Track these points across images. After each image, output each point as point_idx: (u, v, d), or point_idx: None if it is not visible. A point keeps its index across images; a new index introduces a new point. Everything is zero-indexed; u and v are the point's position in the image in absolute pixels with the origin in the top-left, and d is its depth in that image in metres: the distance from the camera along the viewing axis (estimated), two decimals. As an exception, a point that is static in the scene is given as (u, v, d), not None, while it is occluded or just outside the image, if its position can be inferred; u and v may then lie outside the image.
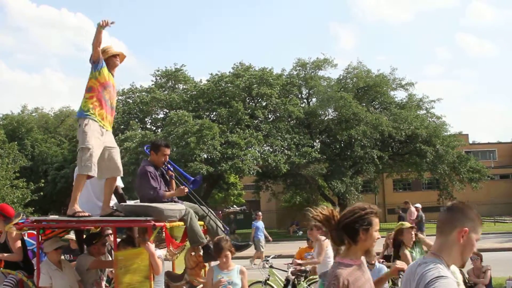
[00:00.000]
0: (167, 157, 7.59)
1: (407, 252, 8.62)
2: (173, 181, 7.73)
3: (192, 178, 7.84)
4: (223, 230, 7.57)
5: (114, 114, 7.31)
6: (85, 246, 8.17)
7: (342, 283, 3.50)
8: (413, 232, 8.89)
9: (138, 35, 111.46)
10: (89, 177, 6.89)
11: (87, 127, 6.82)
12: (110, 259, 8.07)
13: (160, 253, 7.30)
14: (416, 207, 21.96)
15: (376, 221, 3.83)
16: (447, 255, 3.03)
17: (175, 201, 7.40)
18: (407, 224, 9.26)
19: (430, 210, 35.18)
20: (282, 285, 13.15)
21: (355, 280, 3.56)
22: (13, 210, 8.24)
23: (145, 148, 8.32)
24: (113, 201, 7.75)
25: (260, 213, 23.33)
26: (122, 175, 7.44)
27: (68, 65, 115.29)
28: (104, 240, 7.87)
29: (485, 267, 11.95)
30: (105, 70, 7.03)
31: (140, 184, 7.33)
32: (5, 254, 7.67)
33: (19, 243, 7.69)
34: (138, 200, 7.71)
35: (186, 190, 7.46)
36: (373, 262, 11.42)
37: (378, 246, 16.00)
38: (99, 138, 6.91)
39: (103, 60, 7.04)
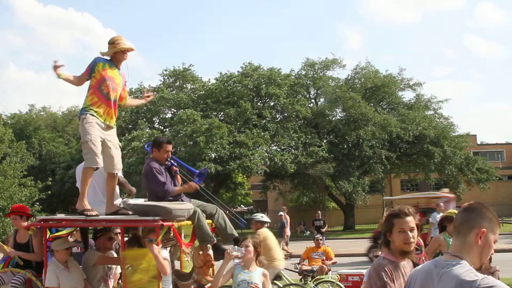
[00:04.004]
0: (170, 153, 7.59)
1: (441, 236, 9.28)
2: (178, 176, 7.73)
3: (197, 171, 7.84)
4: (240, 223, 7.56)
5: (116, 105, 7.32)
6: (91, 242, 8.21)
7: None
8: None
9: (145, 35, 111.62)
10: (96, 169, 6.95)
11: (85, 121, 6.94)
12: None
13: (167, 253, 7.29)
14: (280, 215, 23.96)
15: (398, 221, 4.21)
16: (466, 256, 2.93)
17: (183, 200, 7.38)
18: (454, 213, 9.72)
19: (438, 211, 35.02)
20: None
21: None
22: (27, 209, 8.29)
23: (146, 146, 8.33)
24: (119, 199, 7.78)
25: (442, 203, 18.14)
26: (120, 172, 7.46)
27: (75, 64, 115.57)
28: (110, 235, 7.85)
29: (493, 267, 11.88)
30: (99, 67, 7.09)
31: (148, 181, 7.33)
32: (26, 253, 7.68)
33: (41, 244, 7.66)
34: (143, 199, 7.71)
35: (196, 186, 7.45)
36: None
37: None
38: (100, 130, 7.00)
39: (95, 65, 7.10)
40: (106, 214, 7.08)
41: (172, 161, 7.69)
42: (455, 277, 2.82)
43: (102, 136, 7.02)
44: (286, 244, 23.10)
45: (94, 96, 7.05)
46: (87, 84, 7.16)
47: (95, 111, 7.00)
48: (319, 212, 26.40)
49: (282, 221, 23.60)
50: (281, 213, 24.27)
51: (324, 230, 24.58)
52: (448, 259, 2.97)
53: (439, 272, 2.94)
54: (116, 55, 7.20)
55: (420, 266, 3.23)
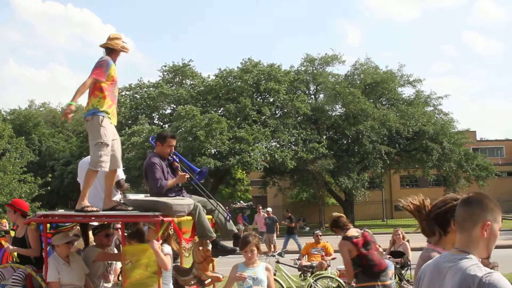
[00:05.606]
0: (173, 148, 7.61)
1: None
2: (179, 172, 7.73)
3: (198, 170, 7.86)
4: (228, 220, 7.59)
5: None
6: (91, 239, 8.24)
7: None
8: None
9: (145, 30, 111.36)
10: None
11: (104, 123, 6.96)
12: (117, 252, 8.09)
13: (169, 249, 7.31)
14: (268, 211, 25.93)
15: None
16: (474, 250, 2.92)
17: (183, 195, 7.40)
18: None
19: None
20: (289, 280, 13.15)
21: None
22: (27, 205, 8.30)
23: (150, 139, 8.36)
24: (117, 195, 7.81)
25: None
26: (120, 167, 7.53)
27: (75, 60, 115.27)
28: (108, 231, 7.86)
29: (492, 263, 11.91)
30: (112, 69, 7.12)
31: (147, 176, 7.37)
32: (23, 249, 7.69)
33: (38, 239, 7.67)
34: (143, 195, 7.73)
35: (187, 176, 7.44)
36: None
37: (385, 242, 15.91)
38: (112, 136, 7.08)
39: (109, 68, 7.09)
40: (104, 210, 7.11)
41: (175, 156, 7.71)
42: (460, 271, 2.82)
43: (113, 138, 7.13)
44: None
45: (109, 100, 7.07)
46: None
47: (110, 115, 7.06)
48: (288, 210, 27.22)
49: (272, 217, 24.76)
50: (269, 209, 26.11)
51: (287, 224, 24.96)
52: (455, 253, 2.96)
53: (446, 266, 2.94)
54: (114, 51, 7.26)
55: (429, 261, 3.22)
